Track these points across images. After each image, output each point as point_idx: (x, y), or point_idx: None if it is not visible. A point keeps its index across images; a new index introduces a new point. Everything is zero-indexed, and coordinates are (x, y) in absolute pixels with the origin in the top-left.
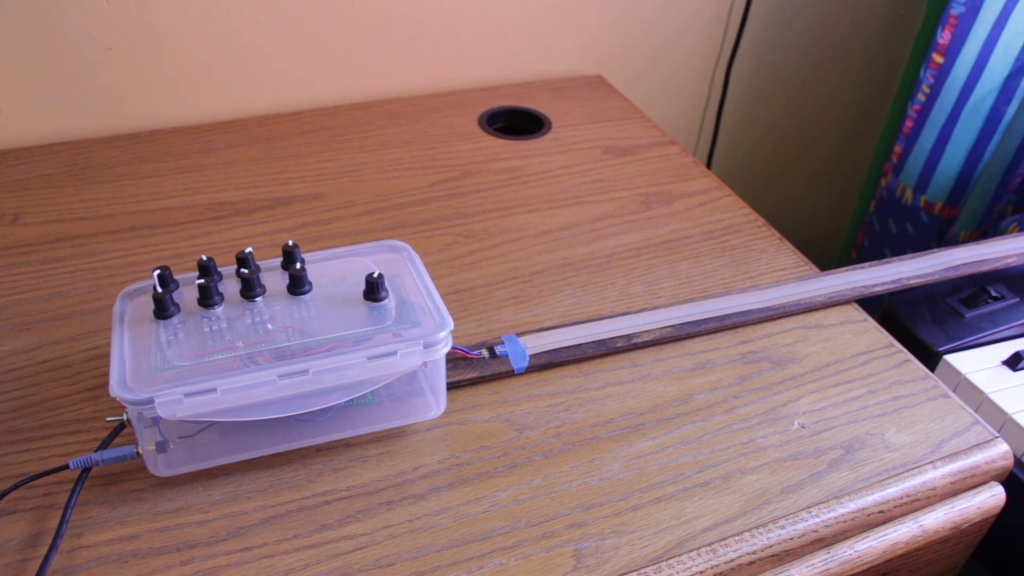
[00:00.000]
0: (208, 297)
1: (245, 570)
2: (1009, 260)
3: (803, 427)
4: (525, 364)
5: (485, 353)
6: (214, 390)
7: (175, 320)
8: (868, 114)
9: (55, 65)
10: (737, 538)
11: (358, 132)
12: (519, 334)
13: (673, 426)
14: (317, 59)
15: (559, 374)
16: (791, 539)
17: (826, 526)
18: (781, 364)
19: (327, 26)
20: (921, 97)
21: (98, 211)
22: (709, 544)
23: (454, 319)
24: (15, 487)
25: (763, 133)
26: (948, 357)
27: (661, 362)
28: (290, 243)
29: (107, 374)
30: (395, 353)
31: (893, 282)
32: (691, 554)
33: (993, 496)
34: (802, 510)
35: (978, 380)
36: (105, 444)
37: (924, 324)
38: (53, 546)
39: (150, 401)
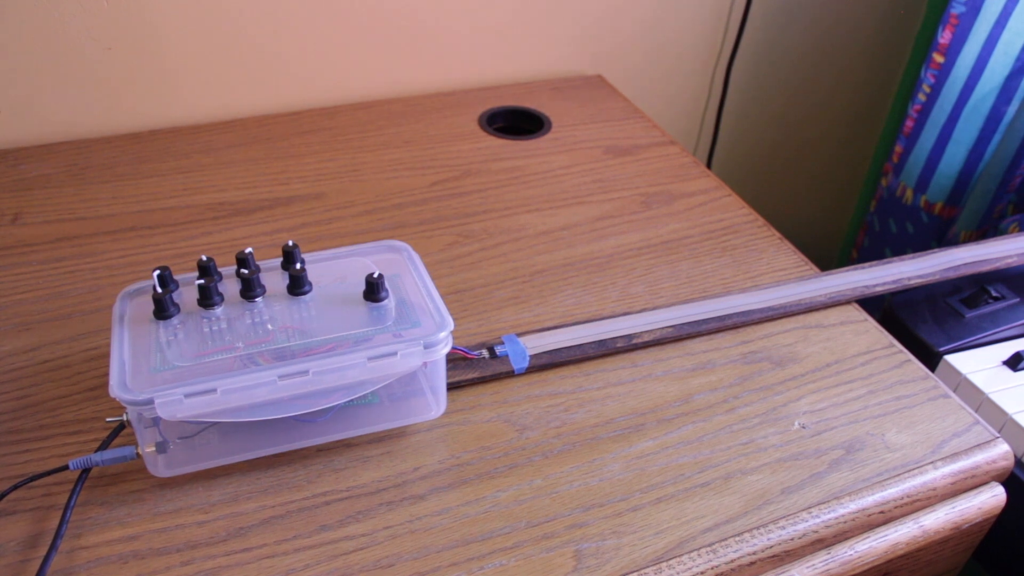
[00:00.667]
0: (208, 297)
1: (245, 570)
2: (1009, 260)
3: (803, 427)
4: (525, 364)
5: (485, 353)
6: (214, 390)
7: (175, 320)
8: (868, 114)
9: (55, 65)
10: (737, 538)
11: (358, 132)
12: (519, 334)
13: (673, 426)
14: (317, 59)
15: (559, 374)
16: (791, 539)
17: (827, 526)
18: (781, 364)
19: (327, 26)
20: (921, 97)
21: (98, 211)
22: (709, 544)
23: (454, 319)
24: (15, 487)
25: (763, 133)
26: (948, 357)
27: (661, 362)
28: (290, 243)
29: (107, 374)
30: (395, 353)
31: (893, 282)
32: (691, 554)
33: (994, 496)
34: (802, 510)
35: (978, 380)
36: (105, 445)
37: (924, 324)
38: (53, 546)
39: (150, 402)
